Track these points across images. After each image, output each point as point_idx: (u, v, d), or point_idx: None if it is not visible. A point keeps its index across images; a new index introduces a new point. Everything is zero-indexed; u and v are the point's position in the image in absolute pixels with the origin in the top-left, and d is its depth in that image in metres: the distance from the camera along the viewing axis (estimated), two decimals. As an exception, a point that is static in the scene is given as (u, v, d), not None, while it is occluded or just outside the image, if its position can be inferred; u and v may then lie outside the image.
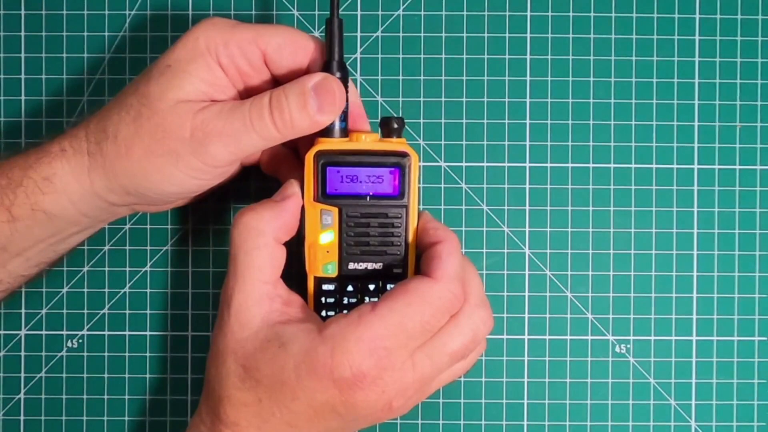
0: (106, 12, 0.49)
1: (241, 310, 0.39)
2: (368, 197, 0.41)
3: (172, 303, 0.49)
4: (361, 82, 0.49)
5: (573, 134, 0.49)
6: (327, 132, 0.40)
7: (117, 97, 0.41)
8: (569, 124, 0.49)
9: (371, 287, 0.42)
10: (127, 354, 0.49)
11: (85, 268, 0.49)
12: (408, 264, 0.42)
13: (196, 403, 0.43)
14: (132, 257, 0.49)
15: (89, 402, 0.49)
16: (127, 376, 0.49)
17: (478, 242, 0.49)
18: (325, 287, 0.42)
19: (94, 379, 0.49)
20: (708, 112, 0.49)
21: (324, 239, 0.41)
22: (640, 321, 0.49)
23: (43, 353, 0.49)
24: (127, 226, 0.49)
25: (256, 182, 0.49)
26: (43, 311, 0.49)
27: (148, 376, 0.49)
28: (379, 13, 0.49)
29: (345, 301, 0.42)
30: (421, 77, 0.49)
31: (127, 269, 0.49)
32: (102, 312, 0.49)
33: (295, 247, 0.41)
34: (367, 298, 0.42)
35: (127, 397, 0.49)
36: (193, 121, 0.39)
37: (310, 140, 0.41)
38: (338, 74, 0.40)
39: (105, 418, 0.49)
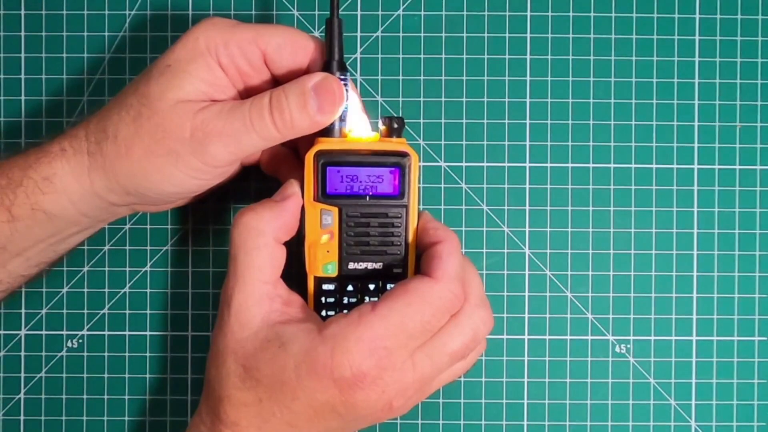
0: (106, 12, 0.49)
1: (241, 310, 0.39)
2: (368, 197, 0.41)
3: (172, 303, 0.49)
4: (361, 82, 0.49)
5: (573, 134, 0.49)
6: (327, 132, 0.40)
7: (117, 97, 0.41)
8: (569, 124, 0.49)
9: (371, 287, 0.42)
10: (127, 354, 0.49)
11: (85, 268, 0.49)
12: (408, 264, 0.42)
13: (196, 403, 0.43)
14: (132, 257, 0.49)
15: (89, 402, 0.49)
16: (127, 376, 0.49)
17: (478, 242, 0.49)
18: (325, 287, 0.42)
19: (94, 379, 0.49)
20: (708, 112, 0.49)
21: (324, 239, 0.41)
22: (640, 321, 0.49)
23: (43, 353, 0.49)
24: (127, 226, 0.49)
25: (256, 182, 0.49)
26: (43, 311, 0.49)
27: (148, 376, 0.49)
28: (379, 13, 0.49)
29: (345, 300, 0.42)
30: (421, 77, 0.49)
31: (127, 269, 0.49)
32: (102, 312, 0.49)
33: (295, 247, 0.41)
34: (367, 298, 0.42)
35: (127, 397, 0.49)
36: (193, 121, 0.39)
37: (310, 140, 0.41)
38: (338, 74, 0.40)
39: (105, 418, 0.49)
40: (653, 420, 0.49)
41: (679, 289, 0.49)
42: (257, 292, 0.39)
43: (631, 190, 0.49)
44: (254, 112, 0.39)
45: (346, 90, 0.40)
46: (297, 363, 0.37)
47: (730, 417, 0.49)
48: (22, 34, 0.49)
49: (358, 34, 0.49)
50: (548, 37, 0.49)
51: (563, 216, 0.49)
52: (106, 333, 0.49)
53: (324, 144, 0.40)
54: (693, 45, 0.49)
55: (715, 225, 0.49)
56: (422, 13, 0.49)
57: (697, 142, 0.49)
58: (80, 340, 0.49)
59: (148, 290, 0.49)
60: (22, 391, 0.49)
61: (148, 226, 0.49)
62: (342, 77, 0.40)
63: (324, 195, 0.41)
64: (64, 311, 0.49)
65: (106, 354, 0.49)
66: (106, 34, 0.49)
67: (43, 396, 0.49)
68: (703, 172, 0.49)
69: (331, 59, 0.40)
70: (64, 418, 0.49)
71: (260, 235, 0.39)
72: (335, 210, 0.41)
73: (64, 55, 0.49)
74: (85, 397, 0.49)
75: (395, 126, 0.41)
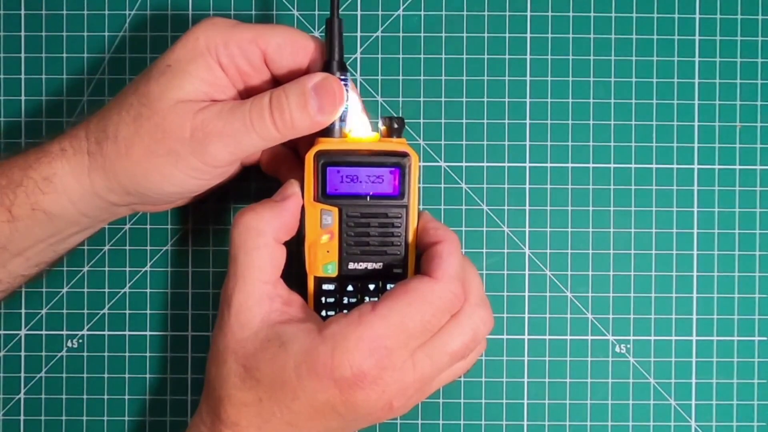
0: (106, 12, 0.49)
1: (242, 310, 0.39)
2: (368, 197, 0.41)
3: (172, 303, 0.49)
4: (361, 82, 0.49)
5: (573, 134, 0.49)
6: (327, 132, 0.40)
7: (117, 97, 0.41)
8: (569, 124, 0.49)
9: (371, 287, 0.42)
10: (127, 354, 0.49)
11: (85, 268, 0.49)
12: (408, 264, 0.42)
13: (196, 403, 0.43)
14: (132, 257, 0.49)
15: (89, 402, 0.49)
16: (127, 376, 0.49)
17: (478, 242, 0.49)
18: (325, 287, 0.42)
19: (94, 379, 0.49)
20: (708, 112, 0.49)
21: (324, 239, 0.41)
22: (640, 321, 0.49)
23: (43, 353, 0.49)
24: (127, 226, 0.49)
25: (256, 182, 0.49)
26: (43, 311, 0.49)
27: (148, 376, 0.49)
28: (379, 13, 0.49)
29: (345, 300, 0.42)
30: (421, 77, 0.49)
31: (127, 269, 0.49)
32: (102, 312, 0.49)
33: (295, 247, 0.41)
34: (367, 298, 0.42)
35: (127, 397, 0.49)
36: (193, 121, 0.39)
37: (310, 140, 0.41)
38: (338, 74, 0.40)
39: (105, 418, 0.49)
40: (653, 420, 0.49)
41: (679, 289, 0.49)
42: (257, 292, 0.39)
43: (631, 190, 0.49)
44: (254, 112, 0.39)
45: (347, 90, 0.40)
46: (297, 363, 0.37)
47: (730, 417, 0.49)
48: (22, 34, 0.49)
49: (358, 34, 0.49)
50: (548, 37, 0.49)
51: (563, 216, 0.49)
52: (106, 333, 0.49)
53: (324, 144, 0.40)
54: (693, 45, 0.49)
55: (715, 225, 0.49)
56: (422, 13, 0.49)
57: (697, 142, 0.49)
58: (80, 340, 0.49)
59: (148, 290, 0.49)
60: (22, 391, 0.49)
61: (148, 226, 0.49)
62: (342, 77, 0.40)
63: (324, 195, 0.41)
64: (64, 311, 0.49)
65: (106, 354, 0.49)
66: (106, 34, 0.49)
67: (43, 396, 0.49)
68: (703, 172, 0.49)
69: (331, 59, 0.40)
70: (64, 418, 0.49)
71: (260, 235, 0.39)
72: (335, 210, 0.41)
73: (64, 55, 0.49)
74: (85, 397, 0.49)
75: (395, 126, 0.41)
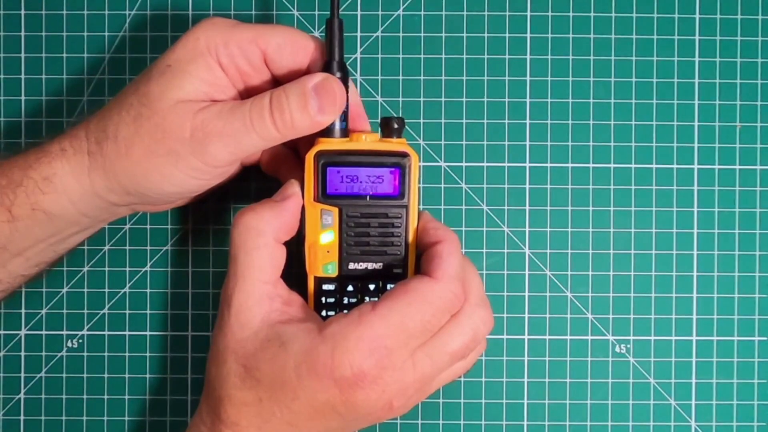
0: (106, 12, 0.49)
1: (242, 310, 0.39)
2: (368, 197, 0.41)
3: (172, 303, 0.49)
4: (361, 82, 0.49)
5: (573, 134, 0.49)
6: (327, 132, 0.40)
7: (117, 96, 0.41)
8: (569, 124, 0.49)
9: (371, 287, 0.42)
10: (127, 354, 0.49)
11: (85, 268, 0.49)
12: (408, 264, 0.42)
13: (196, 403, 0.43)
14: (132, 257, 0.49)
15: (89, 402, 0.49)
16: (127, 376, 0.49)
17: (478, 242, 0.49)
18: (325, 287, 0.42)
19: (94, 379, 0.49)
20: (708, 112, 0.49)
21: (324, 239, 0.41)
22: (640, 321, 0.49)
23: (43, 353, 0.49)
24: (127, 226, 0.49)
25: (256, 182, 0.49)
26: (43, 311, 0.49)
27: (148, 376, 0.49)
28: (379, 13, 0.49)
29: (345, 301, 0.42)
30: (421, 77, 0.49)
31: (127, 269, 0.49)
32: (102, 312, 0.49)
33: (295, 247, 0.41)
34: (367, 298, 0.42)
35: (127, 397, 0.49)
36: (193, 121, 0.39)
37: (310, 140, 0.41)
38: (338, 74, 0.40)
39: (105, 418, 0.49)
40: (653, 420, 0.49)
41: (679, 289, 0.49)
42: (257, 291, 0.39)
43: (631, 190, 0.49)
44: (254, 113, 0.39)
45: (347, 90, 0.40)
46: (297, 362, 0.37)
47: (730, 417, 0.49)
48: (22, 34, 0.49)
49: (358, 34, 0.49)
50: (548, 37, 0.49)
51: (563, 216, 0.49)
52: (106, 333, 0.49)
53: (324, 144, 0.40)
54: (693, 45, 0.49)
55: (715, 225, 0.49)
56: (422, 13, 0.49)
57: (697, 142, 0.49)
58: (80, 340, 0.49)
59: (148, 290, 0.49)
60: (22, 391, 0.49)
61: (148, 226, 0.49)
62: (342, 78, 0.40)
63: (324, 195, 0.41)
64: (64, 311, 0.49)
65: (106, 354, 0.49)
66: (106, 34, 0.49)
67: (43, 396, 0.49)
68: (703, 172, 0.49)
69: (331, 59, 0.40)
70: (64, 418, 0.49)
71: (260, 235, 0.39)
72: (335, 210, 0.41)
73: (64, 55, 0.49)
74: (85, 397, 0.49)
75: (395, 126, 0.41)
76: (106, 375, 0.49)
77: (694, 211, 0.49)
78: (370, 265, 0.41)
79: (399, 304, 0.37)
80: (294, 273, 0.42)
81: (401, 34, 0.49)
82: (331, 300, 0.42)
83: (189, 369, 0.49)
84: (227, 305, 0.39)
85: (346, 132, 0.41)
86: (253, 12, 0.49)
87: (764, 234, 0.49)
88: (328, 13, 0.42)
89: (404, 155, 0.41)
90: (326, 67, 0.40)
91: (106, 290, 0.49)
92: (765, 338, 0.49)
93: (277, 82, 0.42)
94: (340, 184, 0.41)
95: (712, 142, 0.49)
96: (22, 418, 0.49)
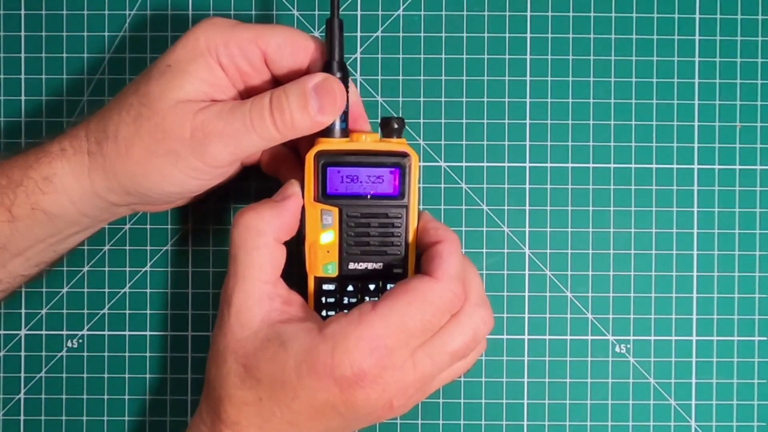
0: (106, 12, 0.49)
1: (242, 309, 0.38)
2: (368, 197, 0.41)
3: (172, 303, 0.49)
4: (361, 82, 0.49)
5: (573, 134, 0.49)
6: (327, 132, 0.40)
7: (117, 97, 0.41)
8: (569, 124, 0.49)
9: (371, 287, 0.42)
10: (127, 354, 0.49)
11: (85, 268, 0.49)
12: (408, 264, 0.42)
13: (196, 403, 0.43)
14: (132, 257, 0.49)
15: (89, 402, 0.49)
16: (127, 376, 0.49)
17: (478, 242, 0.49)
18: (325, 287, 0.42)
19: (94, 379, 0.49)
20: (708, 112, 0.49)
21: (324, 239, 0.41)
22: (640, 321, 0.49)
23: (43, 353, 0.49)
24: (127, 226, 0.49)
25: (256, 182, 0.49)
26: (43, 311, 0.49)
27: (148, 376, 0.49)
28: (379, 13, 0.49)
29: (345, 301, 0.42)
30: (421, 77, 0.49)
31: (127, 269, 0.49)
32: (102, 312, 0.49)
33: (295, 247, 0.41)
34: (367, 298, 0.42)
35: (127, 397, 0.49)
36: (193, 122, 0.39)
37: (310, 140, 0.41)
38: (339, 74, 0.40)
39: (105, 418, 0.49)
40: (653, 420, 0.49)
41: (679, 289, 0.49)
42: (257, 291, 0.39)
43: (631, 190, 0.49)
44: (255, 113, 0.39)
45: (347, 90, 0.40)
46: (297, 362, 0.37)
47: (730, 417, 0.49)
48: (22, 34, 0.49)
49: (358, 34, 0.49)
50: (548, 37, 0.49)
51: (563, 216, 0.49)
52: (106, 333, 0.49)
53: (324, 144, 0.40)
54: (693, 45, 0.49)
55: (715, 225, 0.49)
56: (422, 13, 0.49)
57: (697, 142, 0.49)
58: (80, 340, 0.49)
59: (148, 290, 0.49)
60: (22, 391, 0.49)
61: (148, 226, 0.49)
62: (342, 78, 0.40)
63: (324, 195, 0.41)
64: (64, 311, 0.49)
65: (106, 354, 0.49)
66: (106, 34, 0.49)
67: (43, 396, 0.49)
68: (703, 172, 0.49)
69: (331, 59, 0.40)
70: (64, 418, 0.49)
71: (260, 235, 0.39)
72: (335, 210, 0.41)
73: (64, 55, 0.49)
74: (85, 397, 0.49)
75: (395, 126, 0.41)
76: (106, 375, 0.49)
77: (694, 211, 0.49)
78: (371, 265, 0.41)
79: (399, 304, 0.37)
80: (294, 273, 0.42)
81: (401, 34, 0.49)
82: (332, 300, 0.42)
83: (189, 369, 0.49)
84: (227, 305, 0.39)
85: (346, 132, 0.41)
86: (253, 12, 0.49)
87: (764, 234, 0.49)
88: (328, 13, 0.42)
89: (404, 155, 0.41)
90: (326, 67, 0.40)
91: (106, 290, 0.49)
92: (765, 338, 0.49)
93: (277, 82, 0.42)
94: (340, 184, 0.41)
95: (712, 142, 0.49)
96: (22, 418, 0.49)
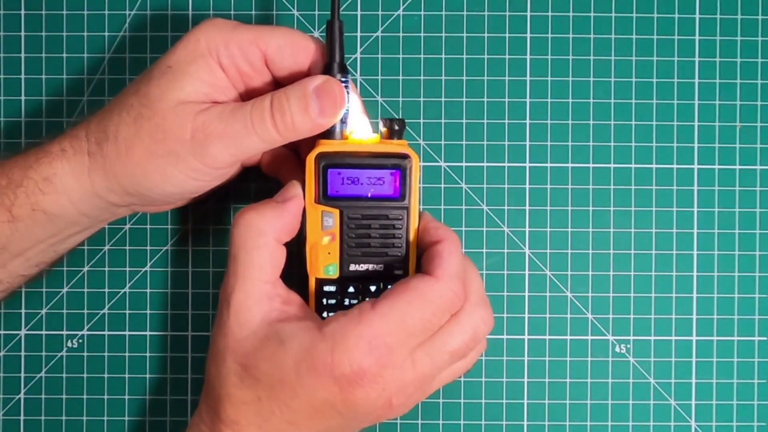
0: (106, 12, 0.49)
1: (241, 309, 0.38)
2: (369, 199, 0.41)
3: (172, 303, 0.49)
4: (361, 82, 0.49)
5: (573, 134, 0.49)
6: (328, 134, 0.40)
7: (117, 97, 0.41)
8: (569, 124, 0.49)
9: (372, 288, 0.42)
10: (127, 354, 0.49)
11: (85, 268, 0.49)
12: (409, 265, 0.41)
13: (196, 403, 0.43)
14: (132, 257, 0.49)
15: (89, 402, 0.49)
16: (127, 376, 0.49)
17: (478, 242, 0.49)
18: (326, 288, 0.42)
19: (94, 379, 0.49)
20: (708, 112, 0.49)
21: (325, 241, 0.41)
22: (640, 321, 0.49)
23: (43, 353, 0.49)
24: (127, 226, 0.49)
25: (256, 183, 0.49)
26: (43, 311, 0.49)
27: (148, 376, 0.49)
28: (379, 13, 0.49)
29: (346, 302, 0.42)
30: (421, 77, 0.49)
31: (127, 269, 0.49)
32: (102, 312, 0.49)
33: (296, 248, 0.41)
34: (368, 299, 0.42)
35: (127, 397, 0.49)
36: (193, 123, 0.39)
37: (311, 142, 0.41)
38: (339, 76, 0.40)
39: (105, 418, 0.49)
40: (653, 420, 0.49)
41: (679, 289, 0.49)
42: (257, 291, 0.39)
43: (631, 190, 0.49)
44: (255, 115, 0.39)
45: (347, 92, 0.40)
46: (296, 361, 0.37)
47: (730, 417, 0.49)
48: (22, 34, 0.49)
49: (358, 34, 0.49)
50: (548, 37, 0.49)
51: (563, 216, 0.49)
52: (106, 333, 0.49)
53: (325, 146, 0.40)
54: (693, 45, 0.49)
55: (715, 225, 0.49)
56: (422, 13, 0.49)
57: (697, 142, 0.49)
58: (80, 340, 0.49)
59: (148, 290, 0.49)
60: (22, 391, 0.49)
61: (148, 226, 0.49)
62: (343, 79, 0.40)
63: (325, 197, 0.41)
64: (64, 311, 0.49)
65: (106, 354, 0.49)
66: (106, 34, 0.49)
67: (43, 396, 0.49)
68: (703, 172, 0.49)
69: (332, 61, 0.40)
70: (64, 418, 0.49)
71: (261, 235, 0.39)
72: (336, 212, 0.41)
73: (64, 55, 0.49)
74: (85, 397, 0.49)
75: (396, 127, 0.41)
76: (106, 375, 0.49)
77: (694, 211, 0.49)
78: (372, 267, 0.41)
79: (399, 303, 0.37)
80: (294, 273, 0.42)
81: (401, 34, 0.49)
82: (333, 301, 0.42)
83: (189, 369, 0.49)
84: (226, 304, 0.39)
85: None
86: (253, 12, 0.49)
87: (764, 234, 0.49)
88: (329, 13, 0.42)
89: (405, 157, 0.41)
90: (327, 69, 0.40)
91: (106, 290, 0.49)
92: (765, 338, 0.49)
93: (277, 83, 0.42)
94: (340, 186, 0.41)
95: (712, 142, 0.49)
96: (22, 418, 0.49)
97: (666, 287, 0.49)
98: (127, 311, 0.49)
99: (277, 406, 0.37)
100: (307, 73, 0.41)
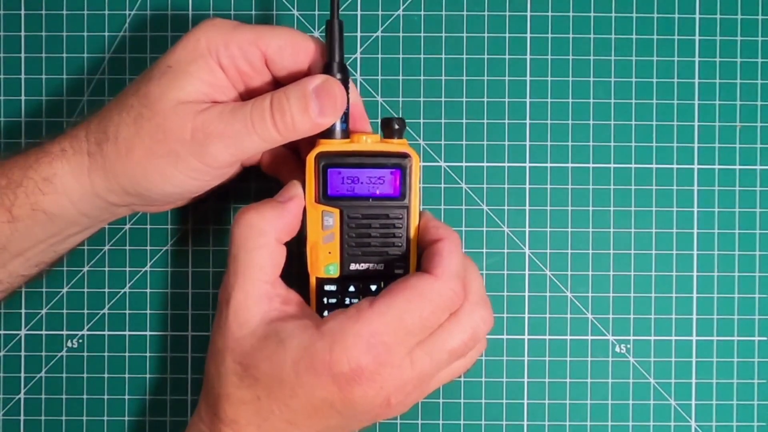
0: (106, 12, 0.49)
1: (240, 308, 0.38)
2: (369, 198, 0.41)
3: (172, 303, 0.49)
4: (361, 82, 0.49)
5: (573, 134, 0.49)
6: (328, 133, 0.40)
7: (117, 97, 0.41)
8: (569, 124, 0.49)
9: (373, 288, 0.42)
10: (127, 354, 0.49)
11: (85, 268, 0.49)
12: (410, 264, 0.41)
13: (196, 403, 0.43)
14: (132, 257, 0.49)
15: (89, 402, 0.49)
16: (127, 376, 0.49)
17: (478, 242, 0.49)
18: (327, 288, 0.42)
19: (94, 379, 0.49)
20: (708, 112, 0.49)
21: (326, 240, 0.41)
22: (640, 321, 0.49)
23: (43, 353, 0.49)
24: (127, 226, 0.49)
25: (256, 182, 0.49)
26: (43, 311, 0.49)
27: (148, 376, 0.49)
28: (379, 13, 0.49)
29: (347, 301, 0.42)
30: (421, 77, 0.49)
31: (127, 269, 0.49)
32: (102, 312, 0.49)
33: (296, 247, 0.41)
34: (367, 298, 0.42)
35: (127, 397, 0.49)
36: (193, 123, 0.39)
37: (311, 141, 0.41)
38: (339, 76, 0.40)
39: (105, 418, 0.49)
40: (653, 420, 0.49)
41: (679, 289, 0.49)
42: (257, 291, 0.39)
43: (631, 190, 0.49)
44: (255, 114, 0.39)
45: (347, 92, 0.40)
46: (295, 360, 0.37)
47: (730, 417, 0.49)
48: (22, 34, 0.49)
49: (358, 34, 0.49)
50: (548, 37, 0.49)
51: (563, 216, 0.49)
52: (106, 333, 0.49)
53: (325, 146, 0.40)
54: (693, 45, 0.49)
55: (715, 225, 0.49)
56: (422, 13, 0.49)
57: (697, 142, 0.49)
58: (80, 340, 0.49)
59: (148, 290, 0.49)
60: (22, 391, 0.49)
61: (148, 226, 0.49)
62: (343, 79, 0.40)
63: (325, 197, 0.41)
64: (64, 311, 0.49)
65: (106, 354, 0.49)
66: (106, 34, 0.49)
67: (43, 396, 0.49)
68: (703, 172, 0.49)
69: (331, 61, 0.40)
70: (64, 418, 0.49)
71: (262, 234, 0.39)
72: (336, 211, 0.41)
73: (64, 55, 0.49)
74: (85, 397, 0.49)
75: (396, 127, 0.41)
76: (106, 375, 0.49)
77: (694, 211, 0.49)
78: (372, 266, 0.41)
79: (397, 301, 0.37)
80: (294, 273, 0.42)
81: (401, 34, 0.49)
82: (333, 301, 0.42)
83: (189, 369, 0.49)
84: (226, 303, 0.39)
85: (346, 133, 0.41)
86: (253, 12, 0.49)
87: (764, 234, 0.49)
88: (328, 13, 0.42)
89: (405, 156, 0.41)
90: (327, 69, 0.40)
91: (106, 290, 0.49)
92: (765, 338, 0.49)
93: (277, 83, 0.42)
94: (341, 186, 0.41)
95: (712, 142, 0.49)
96: (22, 418, 0.49)
97: (666, 287, 0.49)
98: (127, 311, 0.49)
99: (277, 405, 0.37)
100: (307, 73, 0.41)
